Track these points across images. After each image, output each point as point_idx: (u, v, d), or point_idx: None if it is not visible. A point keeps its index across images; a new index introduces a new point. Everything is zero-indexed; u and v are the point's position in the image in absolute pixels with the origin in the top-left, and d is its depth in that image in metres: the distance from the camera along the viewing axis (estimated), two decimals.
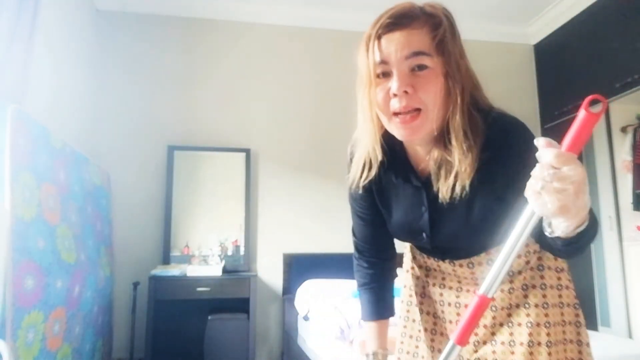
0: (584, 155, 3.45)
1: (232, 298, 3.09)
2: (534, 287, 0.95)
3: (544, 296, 0.94)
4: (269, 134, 3.67)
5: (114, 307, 3.04)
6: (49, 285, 1.91)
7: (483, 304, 0.74)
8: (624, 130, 3.30)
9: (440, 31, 0.83)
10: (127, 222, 3.30)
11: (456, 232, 0.93)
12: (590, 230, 0.67)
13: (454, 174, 0.84)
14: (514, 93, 4.00)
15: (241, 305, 3.09)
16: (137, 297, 3.09)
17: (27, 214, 1.82)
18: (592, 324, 3.26)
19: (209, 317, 3.05)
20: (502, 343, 0.92)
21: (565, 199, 0.59)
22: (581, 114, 0.58)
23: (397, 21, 0.83)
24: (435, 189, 0.88)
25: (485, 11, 3.82)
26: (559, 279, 0.96)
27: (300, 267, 3.45)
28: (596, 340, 2.27)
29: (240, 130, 3.62)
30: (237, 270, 3.37)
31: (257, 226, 3.54)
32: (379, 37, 0.83)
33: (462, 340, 0.76)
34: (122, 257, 3.21)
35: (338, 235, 3.44)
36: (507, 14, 3.89)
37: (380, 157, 0.92)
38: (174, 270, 3.03)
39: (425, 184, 0.93)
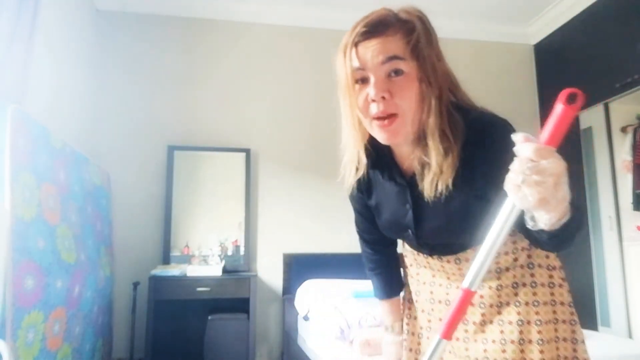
0: (583, 155, 3.45)
1: (232, 298, 3.09)
2: (524, 285, 0.95)
3: (535, 294, 0.94)
4: (269, 134, 3.67)
5: (114, 307, 3.04)
6: (49, 285, 1.91)
7: (467, 297, 0.75)
8: (624, 130, 3.30)
9: (414, 36, 0.85)
10: (127, 222, 3.30)
11: (439, 228, 0.95)
12: (573, 222, 0.68)
13: (432, 174, 0.87)
14: (514, 93, 4.00)
15: (241, 305, 3.09)
16: (137, 297, 3.10)
17: (27, 214, 1.82)
18: (592, 324, 3.26)
19: (209, 317, 3.05)
20: (493, 341, 0.93)
21: (545, 192, 0.60)
22: (558, 107, 0.59)
23: (372, 29, 0.85)
24: (420, 187, 0.91)
25: (485, 11, 3.82)
26: (550, 277, 0.96)
27: (300, 267, 3.45)
28: (596, 340, 2.27)
29: (240, 130, 3.62)
30: (237, 270, 3.37)
31: (257, 226, 3.55)
32: (355, 45, 0.87)
33: (448, 334, 0.77)
34: (122, 257, 3.21)
35: (338, 235, 3.44)
36: (507, 14, 3.89)
37: (364, 160, 0.97)
38: (174, 270, 3.03)
39: (410, 182, 0.96)
